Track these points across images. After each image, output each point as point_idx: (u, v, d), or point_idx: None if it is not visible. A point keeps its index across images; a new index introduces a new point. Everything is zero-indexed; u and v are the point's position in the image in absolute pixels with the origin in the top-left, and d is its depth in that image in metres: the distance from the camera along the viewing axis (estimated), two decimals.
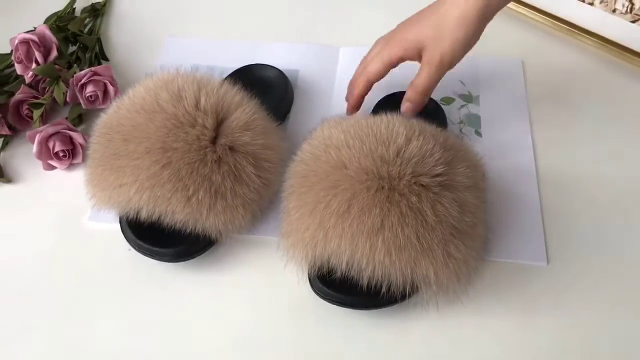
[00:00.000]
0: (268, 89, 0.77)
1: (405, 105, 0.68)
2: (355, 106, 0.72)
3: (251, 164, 0.63)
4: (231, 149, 0.62)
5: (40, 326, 0.61)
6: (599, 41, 0.83)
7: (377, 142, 0.57)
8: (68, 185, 0.72)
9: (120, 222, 0.64)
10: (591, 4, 0.82)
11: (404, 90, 0.70)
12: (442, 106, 0.76)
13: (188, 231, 0.61)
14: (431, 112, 0.72)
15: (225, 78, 0.76)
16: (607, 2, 0.80)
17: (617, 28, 0.81)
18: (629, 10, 0.79)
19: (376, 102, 0.75)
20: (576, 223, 0.67)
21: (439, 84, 0.68)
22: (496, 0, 0.64)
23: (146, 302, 0.63)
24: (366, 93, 0.71)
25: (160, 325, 0.61)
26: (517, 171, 0.71)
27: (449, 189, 0.56)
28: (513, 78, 0.81)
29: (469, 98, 0.79)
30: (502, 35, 0.87)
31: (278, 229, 0.65)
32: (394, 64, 0.69)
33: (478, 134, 0.75)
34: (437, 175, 0.56)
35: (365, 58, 0.72)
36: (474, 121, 0.76)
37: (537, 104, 0.79)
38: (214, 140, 0.61)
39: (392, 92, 0.75)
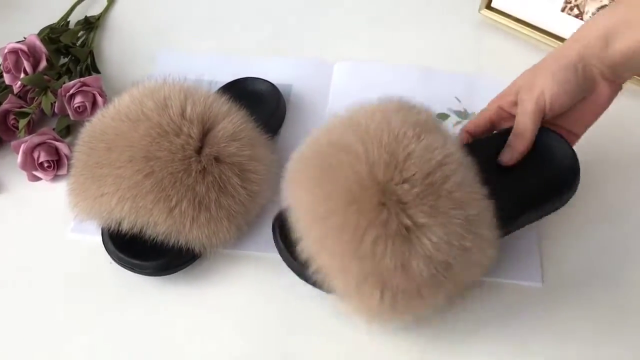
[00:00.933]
0: (260, 102, 0.75)
1: (506, 156, 0.62)
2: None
3: (237, 175, 0.61)
4: (217, 159, 0.60)
5: (20, 337, 0.60)
6: None
7: None
8: (52, 197, 0.70)
9: (102, 234, 0.63)
10: None
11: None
12: None
13: (171, 244, 0.60)
14: None
15: (217, 91, 0.75)
16: None
17: None
18: None
19: None
20: (572, 244, 0.65)
21: (435, 99, 0.66)
22: (593, 54, 0.59)
23: (127, 316, 0.61)
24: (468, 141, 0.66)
25: (140, 340, 0.59)
26: None
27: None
28: None
29: (464, 115, 0.77)
30: (499, 53, 0.86)
31: (265, 245, 0.63)
32: (493, 118, 0.66)
33: None
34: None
35: None
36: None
37: None
38: (199, 150, 0.60)
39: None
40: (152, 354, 0.59)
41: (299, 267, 0.57)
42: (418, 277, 0.50)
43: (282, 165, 0.63)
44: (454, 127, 0.76)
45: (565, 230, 0.67)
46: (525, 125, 0.61)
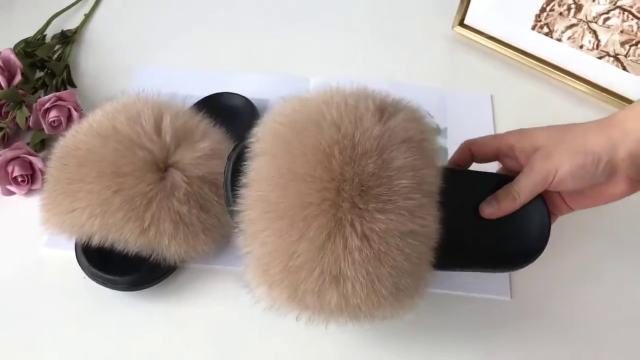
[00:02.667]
0: (235, 116, 0.76)
1: (488, 210, 0.58)
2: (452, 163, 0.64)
3: (213, 192, 0.61)
4: (197, 178, 0.61)
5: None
6: (567, 76, 0.83)
7: None
8: (26, 211, 0.70)
9: (76, 249, 0.63)
10: (559, 40, 0.83)
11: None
12: None
13: (146, 258, 0.60)
14: None
15: (193, 105, 0.76)
16: (574, 38, 0.81)
17: (584, 64, 0.82)
18: (595, 46, 0.80)
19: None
20: (541, 257, 0.66)
21: None
22: (628, 149, 0.53)
23: (100, 331, 0.61)
24: (462, 159, 0.63)
25: (113, 356, 0.59)
26: None
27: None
28: (481, 112, 0.81)
29: (436, 130, 0.78)
30: (472, 70, 0.88)
31: (241, 260, 0.64)
32: (502, 148, 0.60)
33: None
34: None
35: None
36: (441, 154, 0.75)
37: None
38: (174, 167, 0.60)
39: None
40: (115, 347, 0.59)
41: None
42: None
43: None
44: None
45: None
46: (524, 193, 0.56)
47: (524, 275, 0.64)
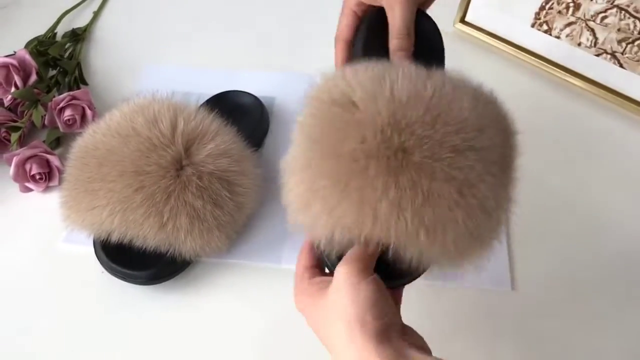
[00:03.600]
0: (244, 114, 0.78)
1: (397, 56, 0.58)
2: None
3: (226, 189, 0.64)
4: (208, 173, 0.63)
5: (13, 346, 0.62)
6: (565, 73, 0.86)
7: None
8: (44, 208, 0.72)
9: (94, 244, 0.65)
10: (558, 37, 0.85)
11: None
12: None
13: (163, 253, 0.63)
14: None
15: (202, 104, 0.78)
16: (572, 36, 0.84)
17: (582, 61, 0.84)
18: (593, 44, 0.82)
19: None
20: (542, 249, 0.69)
21: None
22: None
23: (118, 324, 0.64)
24: (349, 55, 0.63)
25: (131, 348, 0.62)
26: None
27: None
28: None
29: None
30: (472, 66, 0.90)
31: (252, 254, 0.67)
32: (357, 13, 0.62)
33: None
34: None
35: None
36: None
37: None
38: (188, 165, 0.63)
39: None
40: (143, 358, 0.61)
41: None
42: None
43: (265, 178, 0.68)
44: None
45: (535, 235, 0.70)
46: (410, 24, 0.59)
47: (525, 265, 0.67)
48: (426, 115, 0.45)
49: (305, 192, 0.46)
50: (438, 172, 0.44)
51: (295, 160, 0.48)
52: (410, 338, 0.47)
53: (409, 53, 0.59)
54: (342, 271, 0.46)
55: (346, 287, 0.46)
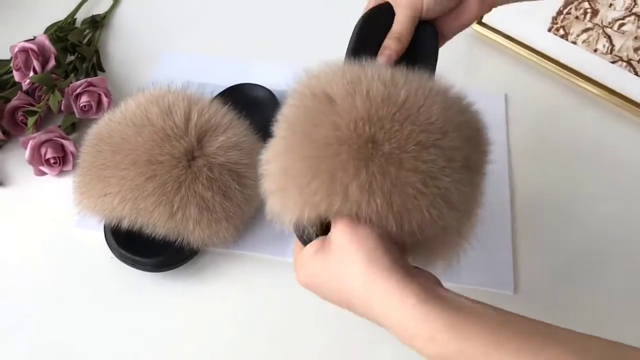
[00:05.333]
0: (257, 108, 0.79)
1: (383, 54, 0.61)
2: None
3: (235, 181, 0.65)
4: (219, 165, 0.64)
5: (22, 327, 0.64)
6: (580, 79, 0.85)
7: None
8: (57, 191, 0.74)
9: (104, 230, 0.67)
10: (574, 42, 0.85)
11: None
12: None
13: (172, 240, 0.64)
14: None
15: (216, 96, 0.79)
16: (589, 42, 0.83)
17: (598, 67, 0.84)
18: (609, 51, 0.82)
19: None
20: (546, 254, 0.70)
21: None
22: None
23: (125, 310, 0.65)
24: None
25: (135, 333, 0.63)
26: (492, 202, 0.73)
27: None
28: (495, 111, 0.84)
29: None
30: (489, 68, 0.90)
31: (258, 246, 0.68)
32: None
33: None
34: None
35: None
36: None
37: (518, 137, 0.81)
38: (200, 156, 0.63)
39: None
40: (148, 344, 0.63)
41: None
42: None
43: None
44: None
45: (539, 240, 0.71)
46: (403, 30, 0.61)
47: (528, 268, 0.68)
48: (396, 115, 0.48)
49: (280, 177, 0.49)
50: (405, 162, 0.47)
51: (272, 149, 0.51)
52: (423, 272, 0.48)
53: (394, 55, 0.62)
54: (338, 227, 0.48)
55: (346, 237, 0.47)
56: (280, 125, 0.52)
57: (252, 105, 0.79)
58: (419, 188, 0.47)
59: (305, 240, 0.52)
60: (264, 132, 0.73)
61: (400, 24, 0.62)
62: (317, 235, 0.51)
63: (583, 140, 0.82)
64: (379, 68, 0.52)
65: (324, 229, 0.51)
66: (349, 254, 0.47)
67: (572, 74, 0.86)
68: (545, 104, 0.86)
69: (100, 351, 0.62)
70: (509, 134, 0.81)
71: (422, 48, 0.64)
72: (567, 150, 0.80)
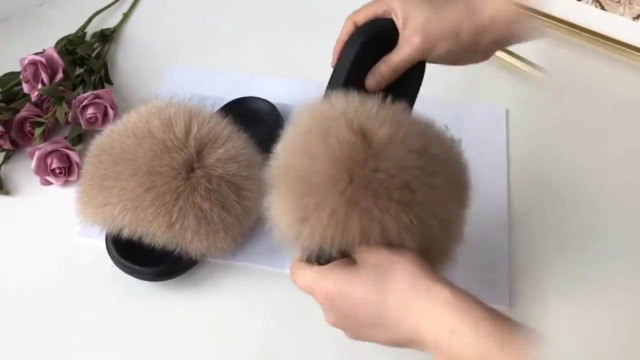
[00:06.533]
0: (260, 121, 0.80)
1: (372, 82, 0.64)
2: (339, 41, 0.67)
3: (234, 193, 0.66)
4: (219, 177, 0.65)
5: (24, 334, 0.65)
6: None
7: None
8: (62, 201, 0.75)
9: (106, 240, 0.68)
10: None
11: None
12: None
13: (172, 251, 0.65)
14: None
15: (220, 108, 0.80)
16: None
17: None
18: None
19: None
20: (543, 269, 0.70)
21: None
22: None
23: (124, 317, 0.66)
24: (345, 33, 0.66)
25: (133, 341, 0.64)
26: (489, 215, 0.73)
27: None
28: (496, 125, 0.85)
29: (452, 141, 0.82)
30: (489, 83, 0.91)
31: (257, 257, 0.69)
32: (378, 13, 0.64)
33: None
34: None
35: None
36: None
37: (518, 152, 0.82)
38: (199, 168, 0.64)
39: None
40: (145, 351, 0.64)
41: None
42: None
43: None
44: None
45: (536, 255, 0.71)
46: (402, 64, 0.63)
47: (524, 283, 0.68)
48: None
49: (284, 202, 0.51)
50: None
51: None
52: None
53: (384, 83, 0.64)
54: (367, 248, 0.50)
55: (384, 252, 0.49)
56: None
57: (255, 118, 0.80)
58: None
59: (322, 262, 0.53)
60: (266, 144, 0.74)
61: (401, 60, 0.63)
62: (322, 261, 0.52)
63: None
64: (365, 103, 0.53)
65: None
66: (390, 264, 0.48)
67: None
68: (546, 118, 0.86)
69: (99, 358, 0.63)
70: (509, 148, 0.82)
71: (408, 79, 0.65)
72: (567, 166, 0.80)
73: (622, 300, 0.67)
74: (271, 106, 0.82)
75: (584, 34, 0.85)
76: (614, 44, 0.84)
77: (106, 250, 0.67)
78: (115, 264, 0.67)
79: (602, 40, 0.83)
